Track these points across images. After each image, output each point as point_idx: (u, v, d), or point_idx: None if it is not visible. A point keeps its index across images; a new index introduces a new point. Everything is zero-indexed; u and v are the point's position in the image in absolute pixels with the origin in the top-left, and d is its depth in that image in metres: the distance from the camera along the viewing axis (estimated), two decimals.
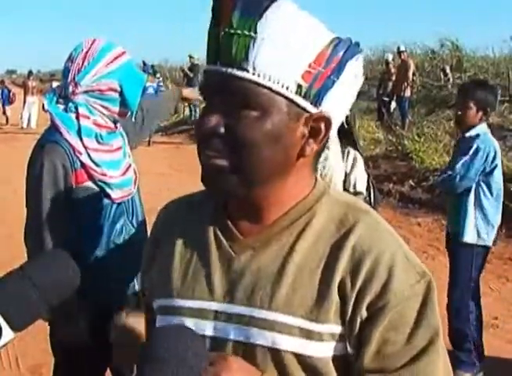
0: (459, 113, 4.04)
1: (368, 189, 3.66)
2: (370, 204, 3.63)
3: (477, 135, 3.99)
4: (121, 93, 2.32)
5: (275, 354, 1.07)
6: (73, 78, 2.27)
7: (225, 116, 1.03)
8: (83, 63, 2.26)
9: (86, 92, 2.29)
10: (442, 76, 17.43)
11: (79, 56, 2.27)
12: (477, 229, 4.01)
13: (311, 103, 1.04)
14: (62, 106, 2.35)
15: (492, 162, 4.01)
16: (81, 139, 2.31)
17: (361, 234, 1.08)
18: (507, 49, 18.95)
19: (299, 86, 1.02)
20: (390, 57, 16.25)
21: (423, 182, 9.70)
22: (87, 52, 2.27)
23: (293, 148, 1.06)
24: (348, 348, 1.08)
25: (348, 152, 3.52)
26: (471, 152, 3.94)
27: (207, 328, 1.11)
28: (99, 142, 2.36)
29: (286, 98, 1.02)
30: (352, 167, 3.51)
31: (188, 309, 1.13)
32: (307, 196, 1.14)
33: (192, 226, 1.19)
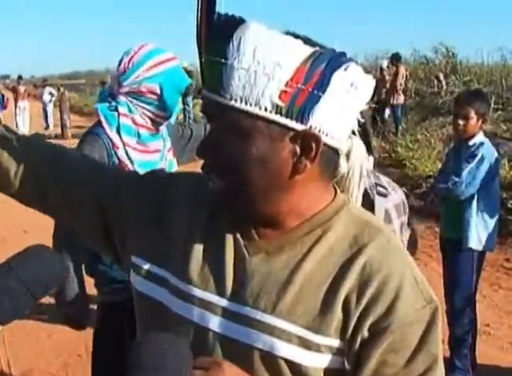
0: (461, 122, 4.06)
1: None
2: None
3: (482, 144, 4.07)
4: (162, 97, 2.43)
5: (271, 359, 1.07)
6: (118, 79, 2.44)
7: (215, 141, 1.06)
8: (128, 65, 2.41)
9: (128, 92, 2.43)
10: (436, 83, 17.50)
11: (126, 58, 2.42)
12: (479, 236, 4.04)
13: (297, 121, 1.03)
14: (107, 104, 2.50)
15: (494, 170, 4.08)
16: (120, 136, 2.44)
17: (372, 254, 1.08)
18: (499, 57, 19.07)
19: (277, 106, 1.01)
20: (384, 64, 16.29)
21: (416, 189, 9.71)
22: (133, 56, 2.42)
23: (283, 167, 1.06)
24: (346, 364, 1.08)
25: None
26: (477, 160, 4.00)
27: (212, 322, 1.12)
28: (137, 142, 2.48)
29: (266, 120, 1.02)
30: None
31: (198, 298, 1.13)
32: (325, 207, 1.14)
33: (209, 212, 1.19)
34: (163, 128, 2.59)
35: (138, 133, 2.46)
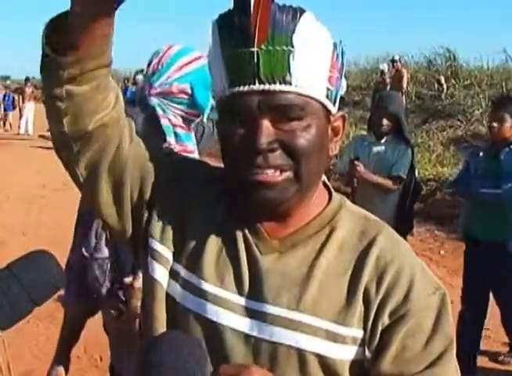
0: (495, 125, 4.26)
1: (411, 179, 4.59)
2: (408, 192, 4.57)
3: None
4: (193, 96, 2.41)
5: (299, 354, 1.09)
6: (149, 80, 2.41)
7: (276, 131, 1.06)
8: (157, 66, 2.38)
9: (159, 93, 2.40)
10: (437, 86, 17.51)
11: (155, 60, 2.40)
12: None
13: (333, 104, 1.12)
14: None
15: None
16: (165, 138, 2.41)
17: (383, 245, 1.13)
18: (500, 60, 19.07)
19: (328, 90, 1.09)
20: (385, 67, 16.31)
21: None
22: (162, 57, 2.39)
23: (328, 150, 1.14)
24: (366, 352, 1.11)
25: (399, 148, 4.52)
26: None
27: (231, 320, 1.12)
28: (176, 141, 2.45)
29: (321, 103, 1.09)
30: (400, 157, 4.48)
31: (213, 295, 1.13)
32: (325, 208, 1.18)
33: (225, 207, 1.19)
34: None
35: (175, 133, 2.45)
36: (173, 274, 1.17)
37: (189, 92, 2.39)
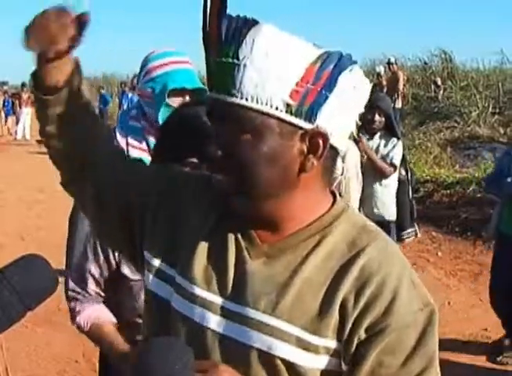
0: None
1: (406, 171, 5.14)
2: (408, 182, 5.13)
3: None
4: (154, 99, 2.42)
5: (269, 359, 1.09)
6: (136, 84, 2.56)
7: (225, 141, 1.08)
8: (140, 70, 2.49)
9: (139, 95, 2.51)
10: (433, 87, 17.53)
11: (142, 63, 2.49)
12: None
13: (305, 120, 1.06)
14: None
15: None
16: (127, 137, 2.43)
17: (371, 256, 1.10)
18: (496, 61, 19.10)
19: (288, 105, 1.04)
20: (382, 70, 16.33)
21: (413, 193, 9.72)
22: (144, 60, 2.48)
23: (291, 165, 1.09)
24: (342, 365, 1.09)
25: (392, 140, 4.94)
26: None
27: (212, 321, 1.13)
28: (139, 141, 2.46)
29: (277, 118, 1.05)
30: (392, 148, 4.91)
31: (200, 298, 1.14)
32: (325, 213, 1.16)
33: (218, 213, 1.20)
34: None
35: (144, 135, 2.46)
36: (169, 280, 1.20)
37: (151, 95, 2.41)
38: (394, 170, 4.93)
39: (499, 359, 4.61)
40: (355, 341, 1.07)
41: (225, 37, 1.05)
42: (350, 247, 1.12)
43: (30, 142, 19.64)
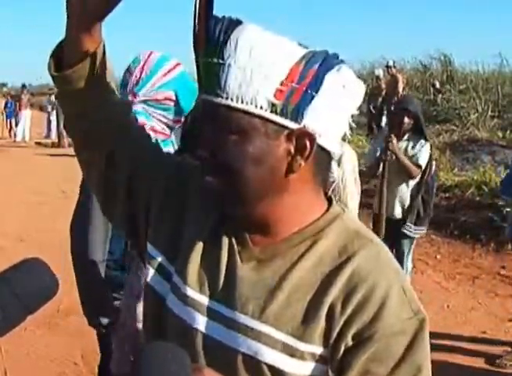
0: None
1: (430, 171, 5.21)
2: (425, 175, 5.14)
3: None
4: (177, 102, 2.43)
5: (254, 364, 1.08)
6: (132, 89, 2.41)
7: (212, 141, 1.07)
8: (141, 74, 2.39)
9: (144, 101, 2.41)
10: (432, 91, 17.54)
11: (137, 68, 2.41)
12: None
13: (291, 120, 1.05)
14: None
15: None
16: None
17: (361, 262, 1.08)
18: (495, 65, 19.12)
19: (273, 105, 1.03)
20: (381, 73, 16.33)
21: None
22: (144, 65, 2.41)
23: (279, 165, 1.08)
24: (329, 372, 1.09)
25: (420, 142, 5.06)
26: None
27: (201, 323, 1.13)
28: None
29: (262, 118, 1.04)
30: (420, 149, 5.03)
31: (192, 299, 1.14)
32: (320, 217, 1.15)
33: (218, 214, 1.19)
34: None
35: (156, 140, 2.48)
36: (166, 277, 1.20)
37: (174, 98, 2.42)
38: (420, 170, 5.03)
39: (498, 361, 4.62)
40: (342, 348, 1.06)
41: (210, 38, 1.05)
42: (341, 253, 1.10)
43: (30, 145, 19.68)
